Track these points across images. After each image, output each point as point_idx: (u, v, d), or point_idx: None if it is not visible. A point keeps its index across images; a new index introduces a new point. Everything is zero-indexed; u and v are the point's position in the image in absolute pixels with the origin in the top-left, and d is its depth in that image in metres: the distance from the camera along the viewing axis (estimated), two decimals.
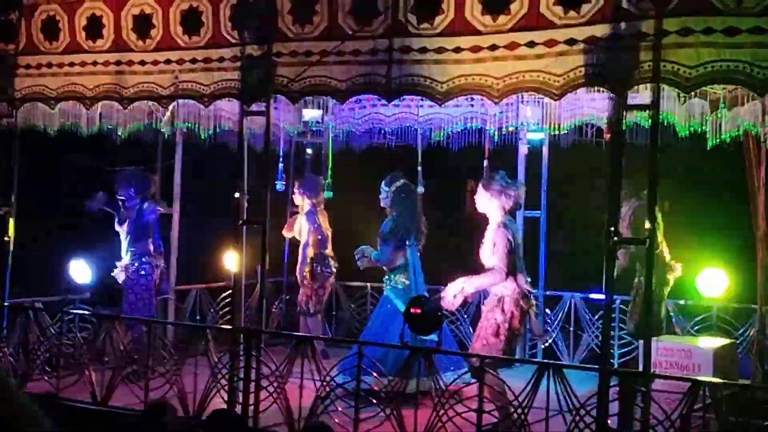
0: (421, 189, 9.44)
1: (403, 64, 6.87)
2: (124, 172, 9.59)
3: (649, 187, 6.37)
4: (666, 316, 9.47)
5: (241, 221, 7.53)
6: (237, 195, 7.54)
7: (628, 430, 6.16)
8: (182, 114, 9.02)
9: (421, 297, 7.76)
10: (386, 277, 9.08)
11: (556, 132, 9.42)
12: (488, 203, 7.70)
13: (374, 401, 7.07)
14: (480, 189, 7.76)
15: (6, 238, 8.93)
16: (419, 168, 9.65)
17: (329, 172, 10.66)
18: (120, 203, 9.58)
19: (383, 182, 9.10)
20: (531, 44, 6.44)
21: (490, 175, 7.94)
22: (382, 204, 9.15)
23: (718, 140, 8.39)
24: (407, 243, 8.95)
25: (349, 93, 7.22)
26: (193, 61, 7.76)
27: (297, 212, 10.67)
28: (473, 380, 6.99)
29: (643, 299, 6.51)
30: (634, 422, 6.15)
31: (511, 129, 9.92)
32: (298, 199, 10.51)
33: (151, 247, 9.52)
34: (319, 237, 10.31)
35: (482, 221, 7.84)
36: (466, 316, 10.76)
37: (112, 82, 8.18)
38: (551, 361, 7.62)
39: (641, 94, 6.85)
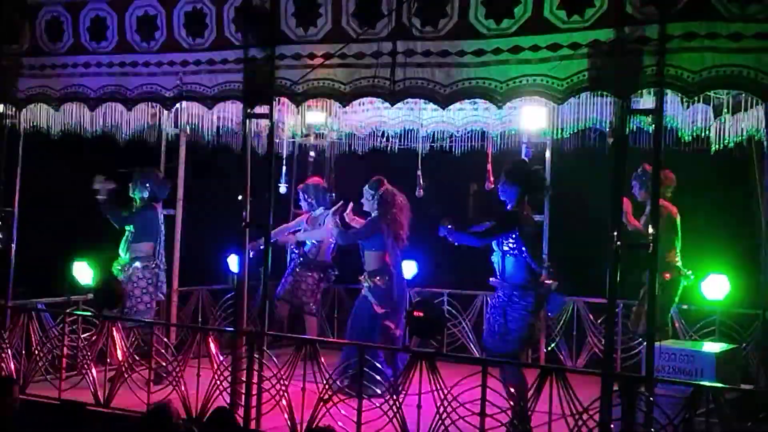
0: (420, 192, 9.51)
1: (407, 67, 6.87)
2: (142, 174, 9.50)
3: (652, 192, 6.38)
4: (670, 320, 9.44)
5: (244, 223, 7.54)
6: (240, 197, 7.54)
7: None
8: (186, 116, 9.03)
9: (425, 300, 7.77)
10: (364, 278, 9.12)
11: (560, 136, 9.42)
12: None
13: (376, 404, 7.06)
14: None
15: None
16: (419, 172, 9.69)
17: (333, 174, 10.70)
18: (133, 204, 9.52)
19: (367, 186, 9.16)
20: (535, 48, 6.45)
21: None
22: (365, 208, 9.21)
23: (722, 145, 8.39)
24: (388, 246, 9.01)
25: (353, 96, 7.22)
26: (197, 63, 7.77)
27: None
28: None
29: (648, 303, 6.50)
30: (636, 427, 6.14)
31: (513, 133, 9.94)
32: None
33: (155, 251, 9.45)
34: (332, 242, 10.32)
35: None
36: (468, 318, 10.76)
37: (116, 83, 8.19)
38: (554, 365, 7.61)
39: (645, 99, 6.84)
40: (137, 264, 9.29)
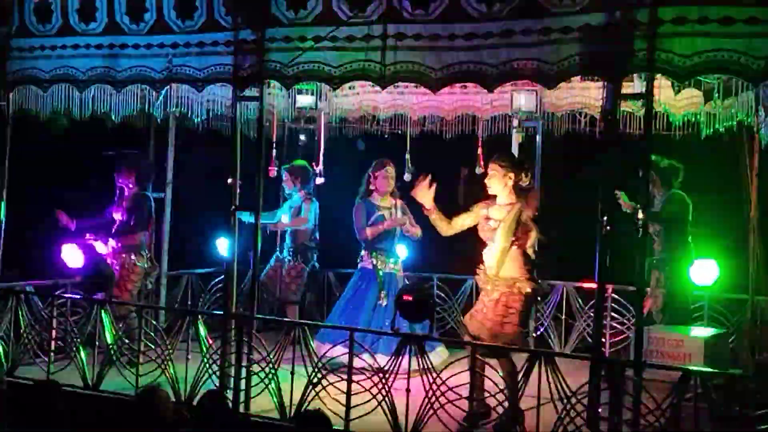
0: (408, 176, 9.54)
1: (398, 50, 6.84)
2: (127, 158, 9.46)
3: (643, 176, 6.37)
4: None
5: (233, 207, 7.52)
6: (230, 180, 7.52)
7: (619, 418, 6.16)
8: (175, 98, 8.99)
9: (414, 284, 7.78)
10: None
11: (550, 120, 9.43)
12: None
13: (365, 388, 7.05)
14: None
15: None
16: (407, 156, 9.70)
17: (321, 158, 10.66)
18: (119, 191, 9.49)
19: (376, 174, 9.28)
20: (526, 32, 6.42)
21: None
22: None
23: (712, 130, 8.41)
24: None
25: (343, 79, 7.19)
26: (187, 45, 7.73)
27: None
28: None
29: (637, 287, 6.50)
30: (624, 411, 6.16)
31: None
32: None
33: (143, 241, 9.40)
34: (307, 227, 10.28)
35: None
36: (458, 304, 10.76)
37: (105, 65, 8.14)
38: (543, 350, 7.63)
39: (635, 83, 6.84)
40: (129, 256, 9.23)
